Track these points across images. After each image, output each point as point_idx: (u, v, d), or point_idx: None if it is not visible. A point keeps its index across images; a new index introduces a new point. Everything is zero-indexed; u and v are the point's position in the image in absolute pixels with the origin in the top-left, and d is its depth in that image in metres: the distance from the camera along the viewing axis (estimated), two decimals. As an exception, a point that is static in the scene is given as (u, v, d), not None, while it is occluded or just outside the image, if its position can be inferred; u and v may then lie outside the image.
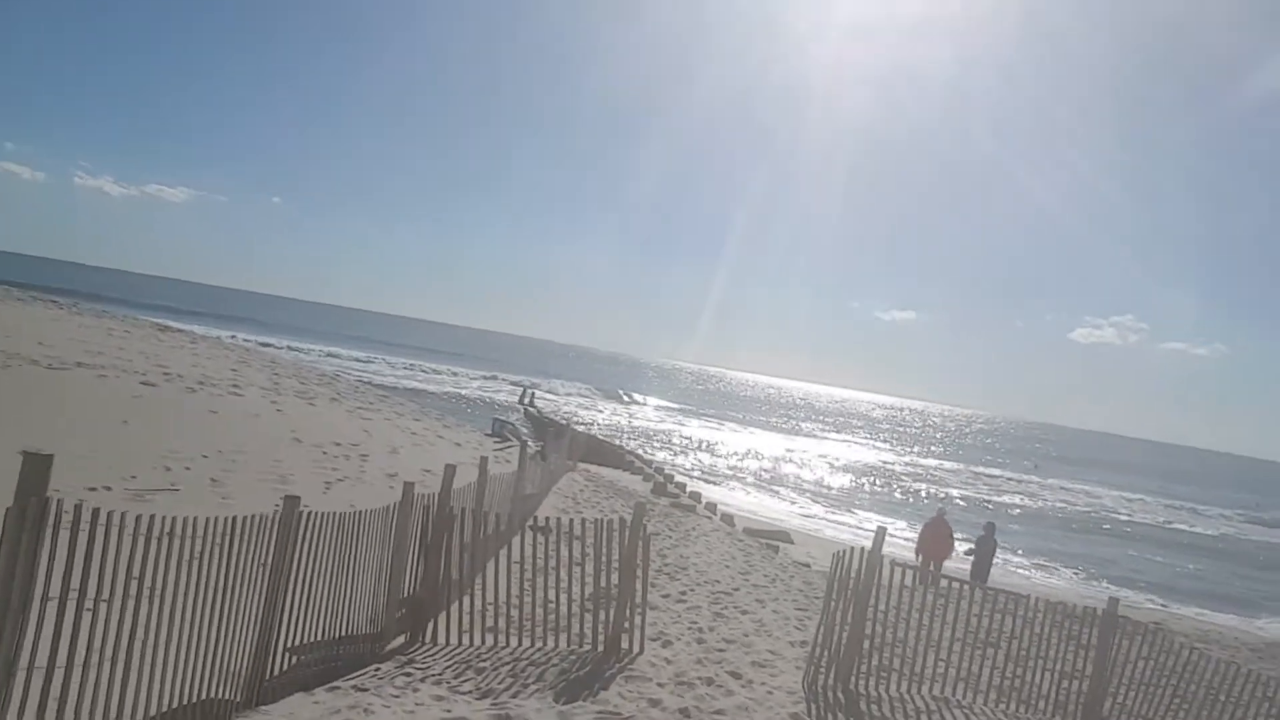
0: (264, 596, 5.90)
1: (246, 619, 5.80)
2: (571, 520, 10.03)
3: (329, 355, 75.76)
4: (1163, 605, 26.45)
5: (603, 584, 9.33)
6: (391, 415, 28.36)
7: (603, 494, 24.34)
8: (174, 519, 5.25)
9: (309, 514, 6.31)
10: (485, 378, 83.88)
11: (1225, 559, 42.60)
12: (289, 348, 71.53)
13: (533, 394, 57.70)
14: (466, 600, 9.20)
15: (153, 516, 5.13)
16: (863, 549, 9.71)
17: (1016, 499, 55.30)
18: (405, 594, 8.80)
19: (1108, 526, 48.29)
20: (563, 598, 9.69)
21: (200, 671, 5.42)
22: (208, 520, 5.38)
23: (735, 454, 57.32)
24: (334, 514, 6.80)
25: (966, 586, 11.01)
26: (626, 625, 9.27)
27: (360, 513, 7.35)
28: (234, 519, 5.56)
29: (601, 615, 9.26)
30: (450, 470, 9.23)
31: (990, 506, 48.24)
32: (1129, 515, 55.22)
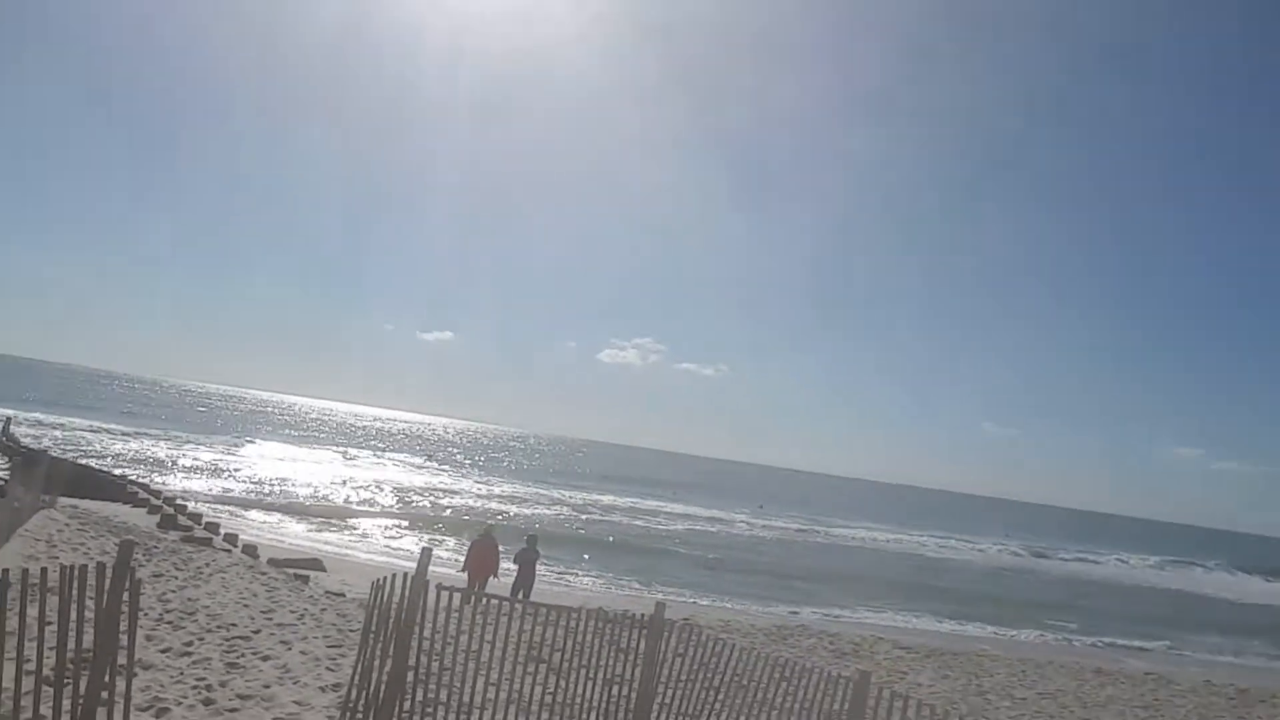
0: None
1: None
2: (43, 569, 8.08)
3: None
4: (688, 600, 29.22)
5: (71, 648, 7.58)
6: None
7: (90, 533, 20.85)
8: None
9: None
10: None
11: (742, 551, 48.84)
12: None
13: (7, 421, 48.33)
14: None
15: None
16: (405, 573, 9.06)
17: (567, 511, 58.32)
18: None
19: (641, 534, 52.73)
20: (14, 672, 7.72)
21: None
22: None
23: (272, 479, 53.43)
24: None
25: (516, 604, 10.83)
26: (105, 696, 7.62)
27: None
28: None
29: (68, 689, 7.51)
30: None
31: (537, 521, 50.35)
32: (653, 524, 60.73)
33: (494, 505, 56.07)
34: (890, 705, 9.19)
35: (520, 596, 18.43)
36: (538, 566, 20.54)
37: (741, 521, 68.69)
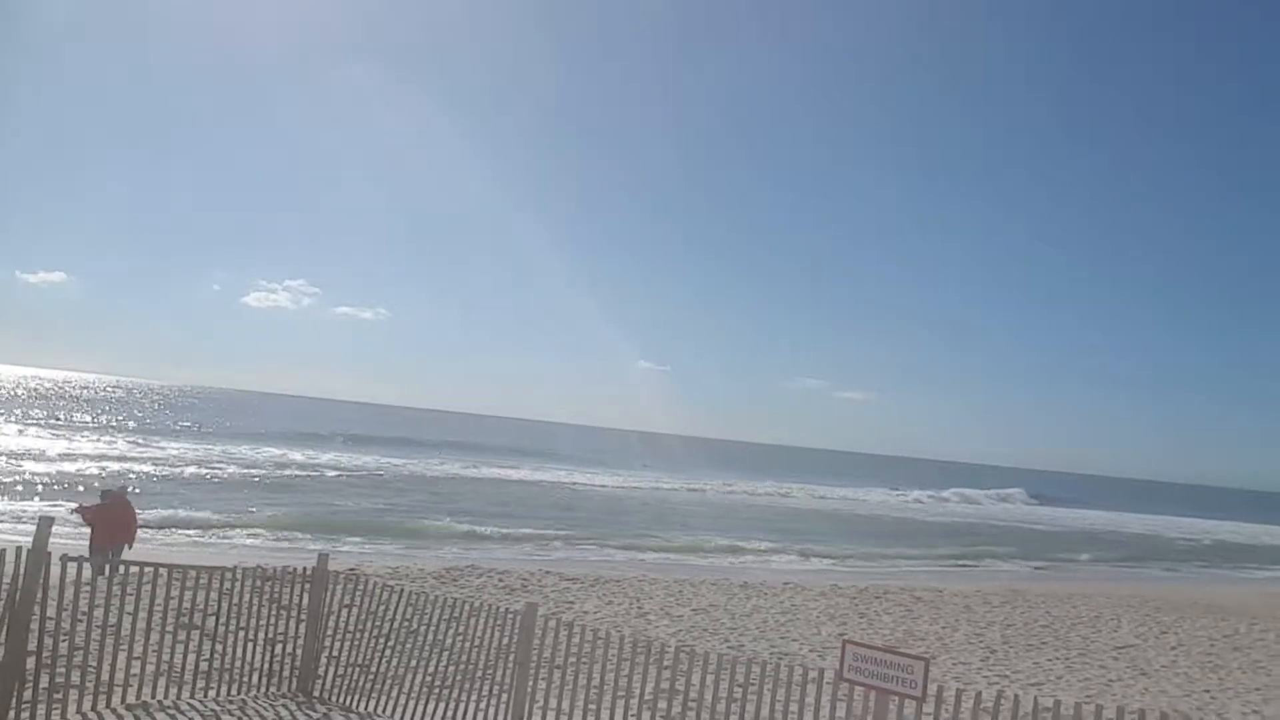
0: None
1: None
2: None
3: None
4: (355, 550, 28.58)
5: None
6: None
7: None
8: None
9: None
10: None
11: (412, 494, 48.50)
12: None
13: None
14: None
15: None
16: (20, 547, 8.16)
17: (226, 470, 54.34)
18: None
19: (300, 485, 50.60)
20: None
21: None
22: None
23: None
24: None
25: (161, 569, 10.10)
26: None
27: None
28: None
29: None
30: None
31: (156, 473, 46.86)
32: (312, 475, 58.49)
33: (127, 466, 51.13)
34: (557, 633, 9.71)
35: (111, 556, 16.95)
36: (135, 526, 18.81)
37: (416, 465, 68.25)
